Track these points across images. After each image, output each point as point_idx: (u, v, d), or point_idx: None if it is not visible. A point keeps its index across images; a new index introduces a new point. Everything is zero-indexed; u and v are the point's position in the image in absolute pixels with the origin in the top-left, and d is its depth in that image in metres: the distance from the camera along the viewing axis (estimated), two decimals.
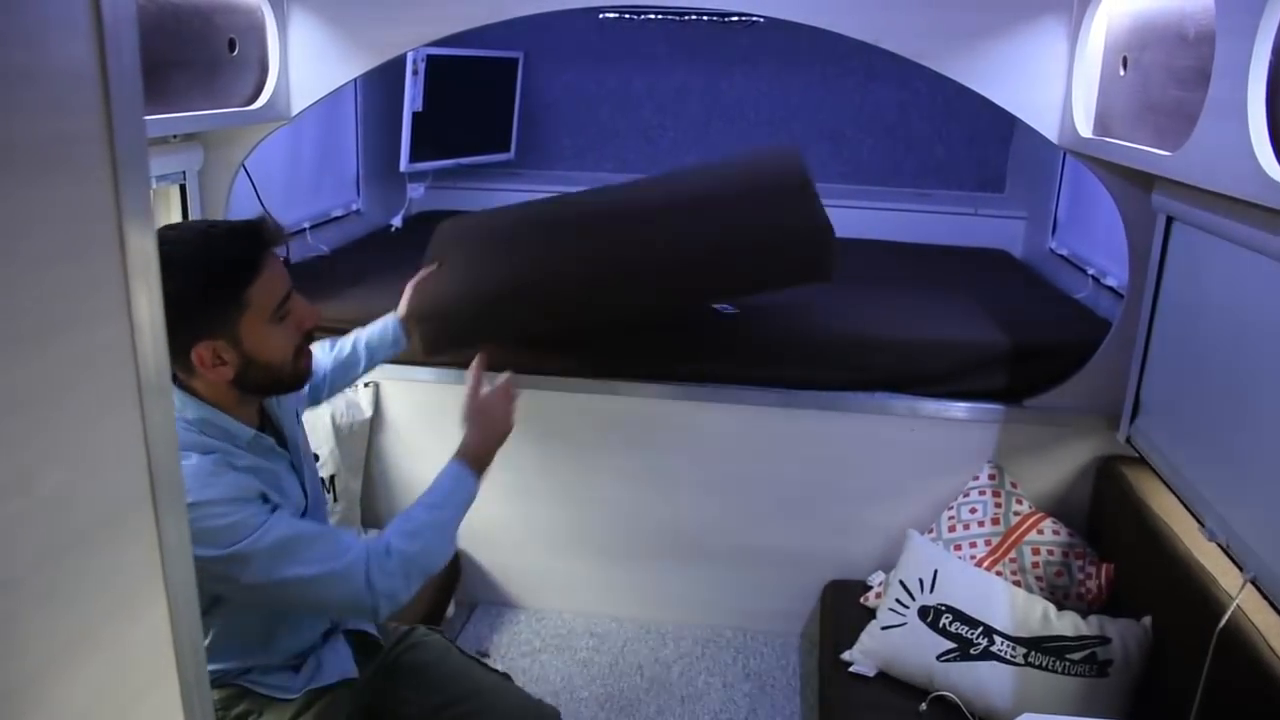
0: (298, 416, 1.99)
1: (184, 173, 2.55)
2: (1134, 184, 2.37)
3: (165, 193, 2.56)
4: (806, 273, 2.41)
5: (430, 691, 2.01)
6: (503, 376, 2.05)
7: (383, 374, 2.79)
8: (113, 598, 0.88)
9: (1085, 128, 2.39)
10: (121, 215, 0.82)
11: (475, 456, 1.93)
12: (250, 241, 1.65)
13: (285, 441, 1.88)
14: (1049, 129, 2.49)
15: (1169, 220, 2.23)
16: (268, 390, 1.77)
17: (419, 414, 2.80)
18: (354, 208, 3.94)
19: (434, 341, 2.44)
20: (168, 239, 1.58)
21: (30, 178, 0.75)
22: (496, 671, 2.12)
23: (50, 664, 0.81)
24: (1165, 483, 2.20)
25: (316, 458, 2.63)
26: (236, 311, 1.62)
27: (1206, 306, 2.08)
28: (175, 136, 2.44)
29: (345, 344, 2.32)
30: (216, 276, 1.61)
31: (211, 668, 1.81)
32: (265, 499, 1.70)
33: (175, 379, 1.68)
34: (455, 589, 2.84)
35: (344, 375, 2.31)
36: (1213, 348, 2.02)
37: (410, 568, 1.71)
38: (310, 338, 1.77)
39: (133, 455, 0.87)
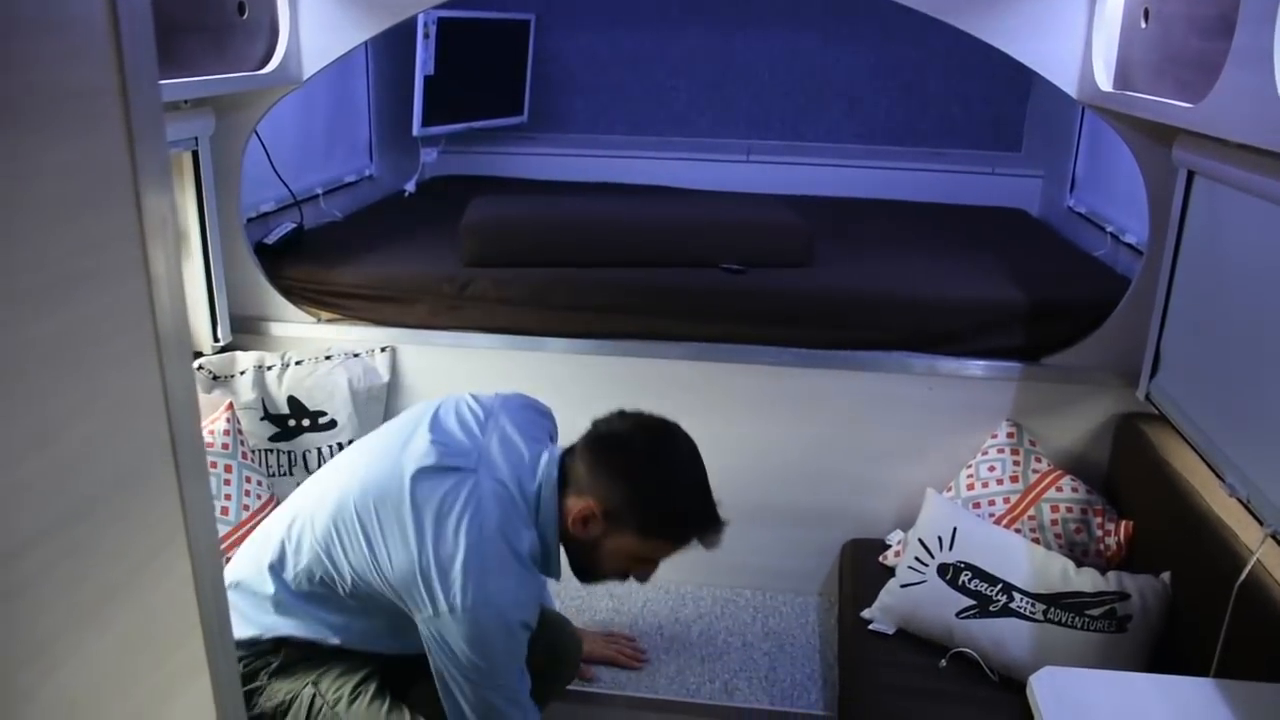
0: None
1: (196, 139, 2.54)
2: (1154, 139, 2.34)
3: (178, 159, 2.55)
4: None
5: None
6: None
7: (400, 338, 2.80)
8: (136, 555, 0.88)
9: (1105, 82, 2.36)
10: (137, 170, 0.82)
11: None
12: (704, 529, 1.82)
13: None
14: (1068, 84, 2.46)
15: (1190, 175, 2.21)
16: (571, 556, 1.86)
17: (436, 378, 2.80)
18: (367, 173, 3.93)
19: (478, 253, 2.78)
20: (678, 438, 1.91)
21: (46, 130, 0.75)
22: None
23: (77, 620, 0.82)
24: (1185, 439, 2.20)
25: (334, 423, 2.65)
26: (636, 530, 1.77)
27: (1228, 262, 2.06)
28: (186, 102, 2.44)
29: None
30: (666, 512, 1.79)
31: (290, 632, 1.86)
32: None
33: (560, 483, 1.80)
34: None
35: None
36: (1234, 303, 2.01)
37: None
38: (618, 578, 1.91)
39: (153, 413, 0.88)
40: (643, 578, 1.87)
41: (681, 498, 1.81)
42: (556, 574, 1.86)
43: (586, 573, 1.87)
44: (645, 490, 1.77)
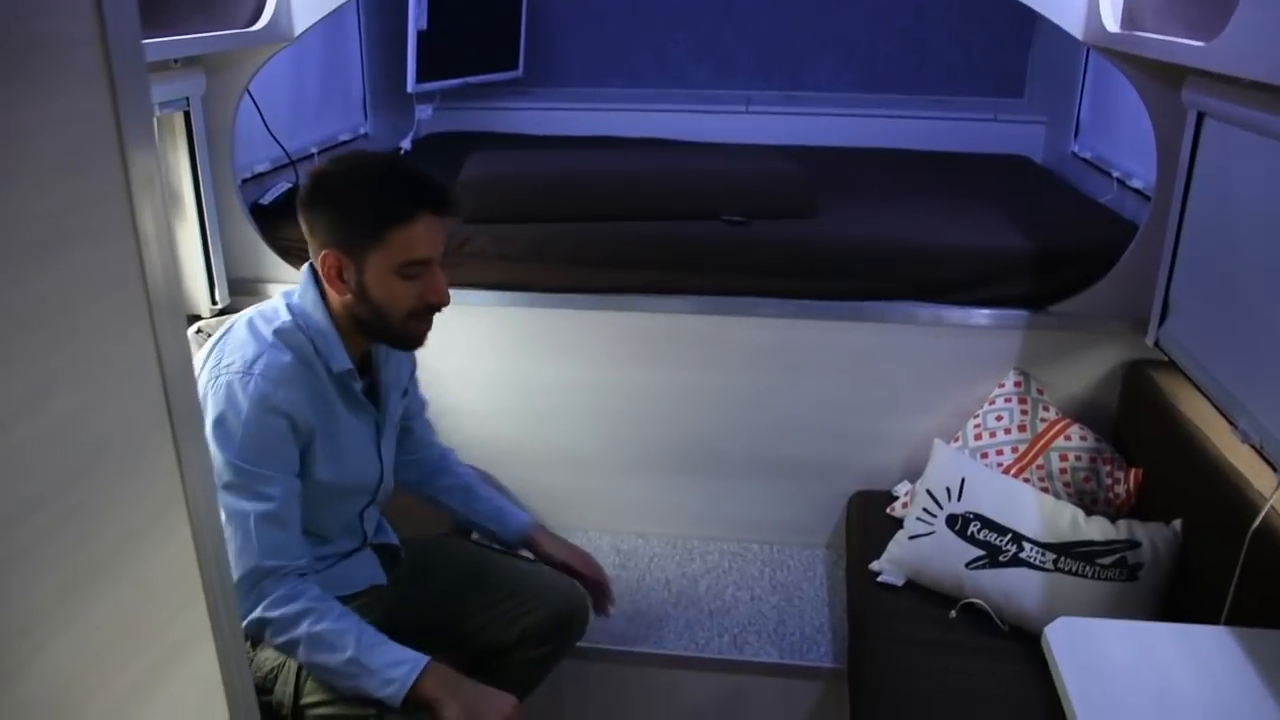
0: (404, 394, 2.07)
1: (187, 100, 2.50)
2: (1163, 80, 2.29)
3: (170, 121, 2.51)
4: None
5: (465, 583, 2.08)
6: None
7: None
8: (134, 521, 0.86)
9: (1112, 22, 2.31)
10: (121, 124, 0.79)
11: (438, 685, 1.71)
12: (422, 195, 1.72)
13: (379, 403, 1.94)
14: (1074, 26, 2.41)
15: (1200, 117, 2.17)
16: (373, 333, 1.83)
17: (435, 336, 2.75)
18: (362, 131, 3.88)
19: (476, 209, 2.71)
20: (368, 153, 1.83)
21: (23, 83, 0.71)
22: (527, 559, 2.21)
23: (74, 589, 0.80)
24: (1195, 385, 2.17)
25: None
26: (371, 242, 1.70)
27: (1239, 204, 2.03)
28: (175, 62, 2.39)
29: (461, 472, 2.27)
30: (372, 199, 1.71)
31: None
32: (310, 437, 1.77)
33: (315, 278, 1.80)
34: None
35: (418, 473, 2.23)
36: (1246, 246, 1.98)
37: (295, 642, 1.70)
38: (432, 311, 1.81)
39: (147, 376, 0.85)
40: (434, 291, 1.77)
41: (377, 177, 1.74)
42: (348, 360, 1.80)
43: (390, 327, 1.79)
44: (345, 196, 1.72)
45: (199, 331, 2.58)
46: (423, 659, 1.73)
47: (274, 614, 1.70)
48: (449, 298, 1.81)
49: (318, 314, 1.80)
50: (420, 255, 1.73)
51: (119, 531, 0.84)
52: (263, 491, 1.70)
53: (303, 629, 1.69)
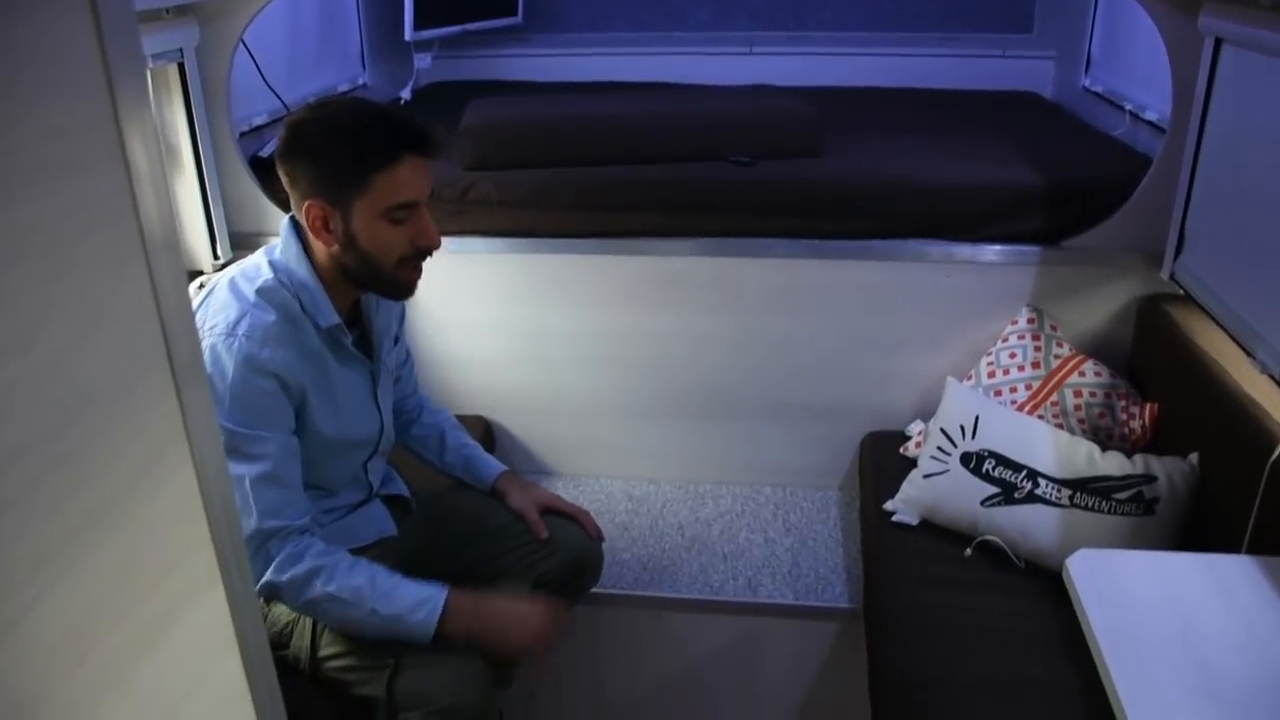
0: (395, 341, 2.03)
1: (180, 51, 2.45)
2: (1178, 6, 2.24)
3: (164, 73, 2.47)
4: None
5: (478, 532, 2.07)
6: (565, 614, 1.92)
7: None
8: (134, 465, 0.84)
9: None
10: (106, 47, 0.76)
11: (460, 616, 1.75)
12: (403, 136, 1.68)
13: (372, 354, 1.91)
14: None
15: (1217, 43, 2.12)
16: (362, 283, 1.79)
17: (440, 285, 2.73)
18: (360, 81, 3.83)
19: (479, 156, 2.70)
20: (344, 98, 1.65)
21: (4, 6, 0.68)
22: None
23: (74, 534, 0.78)
24: (1212, 317, 2.15)
25: None
26: (355, 188, 1.66)
27: (1258, 131, 1.99)
28: (168, 11, 2.35)
29: (433, 422, 2.21)
30: (353, 145, 1.66)
31: None
32: (303, 395, 1.75)
33: (297, 231, 1.77)
34: None
35: (396, 424, 2.17)
36: (1264, 174, 1.94)
37: (313, 604, 1.72)
38: (422, 256, 1.77)
39: (143, 314, 0.83)
40: (424, 234, 1.73)
41: (356, 122, 1.69)
42: (335, 315, 1.77)
43: (381, 276, 1.76)
44: (325, 144, 1.67)
45: (201, 287, 2.56)
46: (440, 595, 1.74)
47: (284, 578, 1.69)
48: (439, 240, 1.77)
49: (301, 269, 1.75)
50: (407, 198, 1.69)
51: (119, 475, 0.82)
52: (256, 453, 1.68)
53: (316, 590, 1.70)
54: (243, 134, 2.84)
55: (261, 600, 1.87)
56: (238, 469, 1.67)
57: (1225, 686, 1.26)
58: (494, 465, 2.17)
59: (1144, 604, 1.40)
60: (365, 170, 1.66)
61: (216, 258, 2.69)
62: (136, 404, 0.83)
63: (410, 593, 1.74)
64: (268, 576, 1.69)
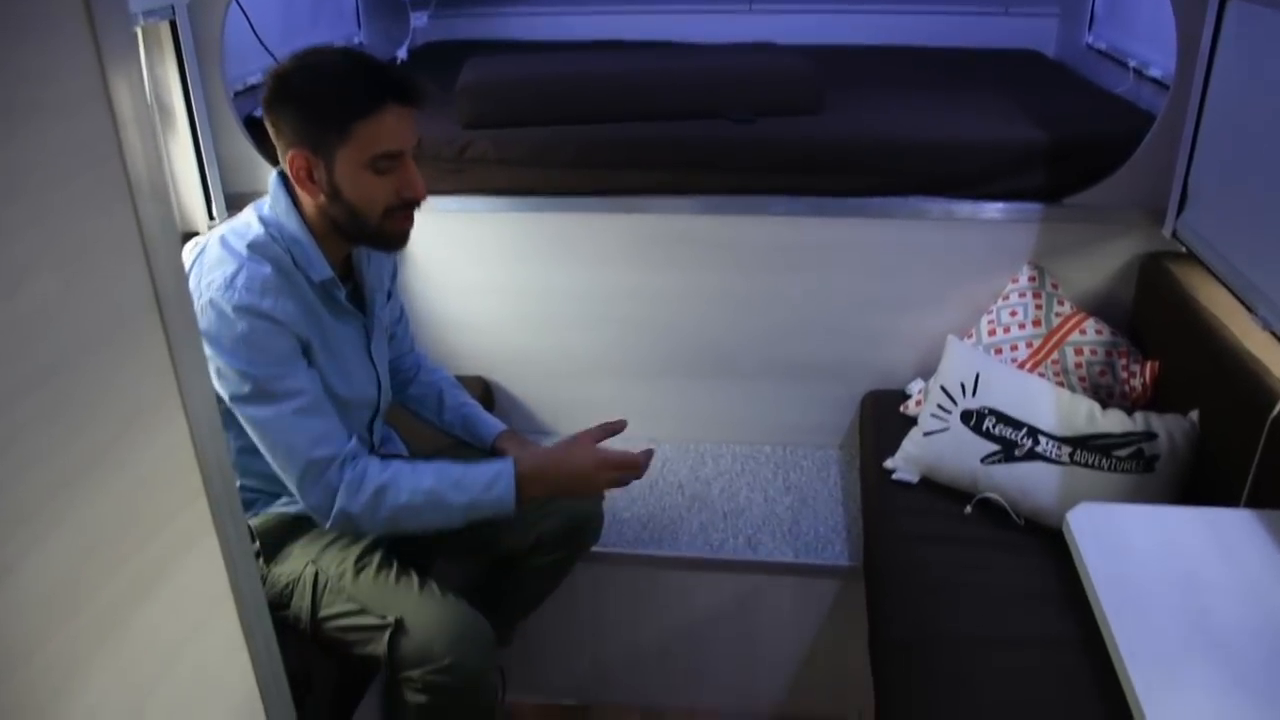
0: (388, 297, 2.01)
1: (172, 7, 2.42)
2: None
3: (156, 31, 2.44)
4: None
5: None
6: (639, 452, 1.92)
7: None
8: (124, 414, 0.83)
9: None
10: None
11: (534, 483, 1.81)
12: (386, 84, 1.66)
13: (365, 308, 1.89)
14: None
15: None
16: (350, 235, 1.77)
17: (438, 244, 2.72)
18: (355, 40, 3.78)
19: (476, 114, 2.66)
20: (329, 48, 1.73)
21: None
22: None
23: (66, 483, 0.77)
24: (1214, 274, 2.14)
25: None
26: (337, 138, 1.64)
27: (1263, 87, 1.97)
28: None
29: (430, 380, 2.19)
30: (335, 93, 1.64)
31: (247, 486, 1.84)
32: (308, 348, 1.74)
33: (286, 185, 1.75)
34: None
35: (403, 385, 2.19)
36: (1269, 129, 1.93)
37: (393, 519, 1.73)
38: (408, 207, 1.75)
39: (130, 259, 0.81)
40: (409, 185, 1.72)
41: (338, 70, 1.68)
42: (328, 268, 1.76)
43: (368, 227, 1.74)
44: (306, 92, 1.66)
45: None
46: (508, 470, 1.77)
47: (356, 508, 1.70)
48: (425, 192, 1.75)
49: (291, 222, 1.73)
50: (390, 148, 1.67)
51: (111, 423, 0.81)
52: (286, 389, 1.67)
53: (388, 507, 1.71)
54: (237, 93, 2.80)
55: (260, 560, 1.88)
56: (270, 410, 1.66)
57: (1224, 636, 1.26)
58: (493, 424, 2.15)
59: (1144, 556, 1.39)
60: (347, 118, 1.63)
61: (212, 218, 2.67)
62: (126, 352, 0.82)
63: (480, 475, 1.76)
64: (339, 506, 1.69)
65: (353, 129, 1.64)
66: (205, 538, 0.94)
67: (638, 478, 1.91)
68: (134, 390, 0.83)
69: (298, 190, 1.73)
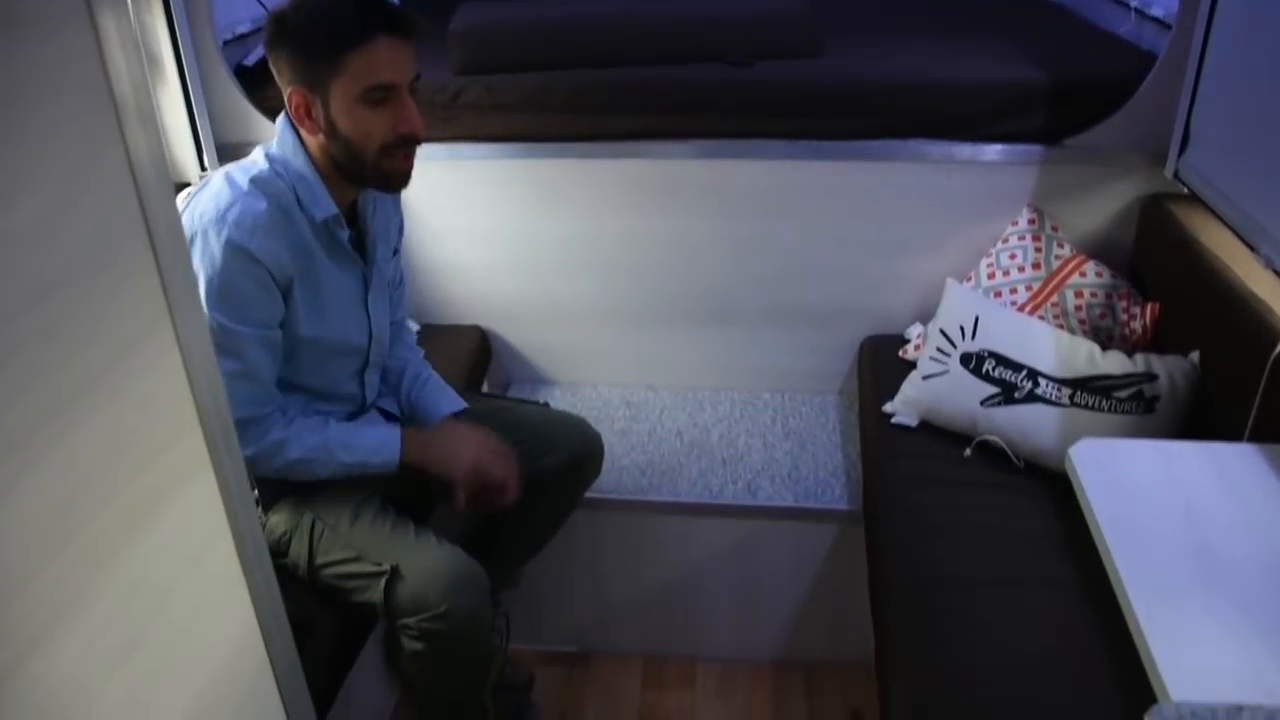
0: (394, 253, 2.02)
1: None
2: None
3: None
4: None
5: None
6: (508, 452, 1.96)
7: None
8: (115, 343, 0.81)
9: None
10: None
11: (419, 452, 1.87)
12: (375, 14, 1.65)
13: (366, 255, 1.89)
14: None
15: None
16: (350, 174, 1.76)
17: (432, 191, 2.69)
18: None
19: (469, 59, 2.64)
20: None
21: None
22: (536, 403, 2.24)
23: (57, 410, 0.75)
24: (1216, 214, 2.12)
25: None
26: (330, 71, 1.65)
27: (1267, 23, 1.95)
28: None
29: (401, 357, 2.15)
30: (326, 26, 1.64)
31: None
32: (289, 289, 1.73)
33: (293, 125, 1.74)
34: (486, 372, 2.82)
35: None
36: (1273, 66, 1.90)
37: (286, 469, 1.79)
38: (406, 144, 1.73)
39: (117, 185, 0.79)
40: (405, 120, 1.71)
41: (330, 2, 1.68)
42: (332, 205, 1.76)
43: (366, 165, 1.73)
44: (301, 27, 1.67)
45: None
46: (394, 437, 1.85)
47: (249, 452, 1.72)
48: (423, 128, 1.74)
49: (297, 159, 1.74)
50: (383, 80, 1.66)
51: (102, 351, 0.79)
52: (234, 349, 1.69)
53: (282, 459, 1.77)
54: (226, 42, 2.77)
55: (259, 510, 1.87)
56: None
57: (1227, 569, 1.26)
58: (436, 412, 2.07)
59: (1146, 489, 1.39)
60: (338, 50, 1.63)
61: (203, 169, 2.65)
62: (115, 278, 0.80)
63: (369, 438, 1.84)
64: (255, 457, 1.74)
65: (344, 60, 1.63)
66: (201, 471, 0.93)
67: (504, 503, 1.95)
68: (125, 318, 0.82)
69: (300, 130, 1.74)
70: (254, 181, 1.70)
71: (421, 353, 2.18)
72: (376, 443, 1.84)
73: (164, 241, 0.83)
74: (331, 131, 1.70)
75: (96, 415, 0.79)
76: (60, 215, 0.74)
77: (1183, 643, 1.16)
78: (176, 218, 0.85)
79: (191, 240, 1.65)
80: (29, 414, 0.73)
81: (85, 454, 0.79)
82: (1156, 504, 1.36)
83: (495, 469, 1.90)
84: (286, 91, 1.69)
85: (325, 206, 1.75)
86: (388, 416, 2.04)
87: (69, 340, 0.76)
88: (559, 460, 2.08)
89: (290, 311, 1.76)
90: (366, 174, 1.75)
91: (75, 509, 0.78)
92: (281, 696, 1.09)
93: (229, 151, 2.67)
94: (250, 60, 2.84)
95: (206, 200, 1.69)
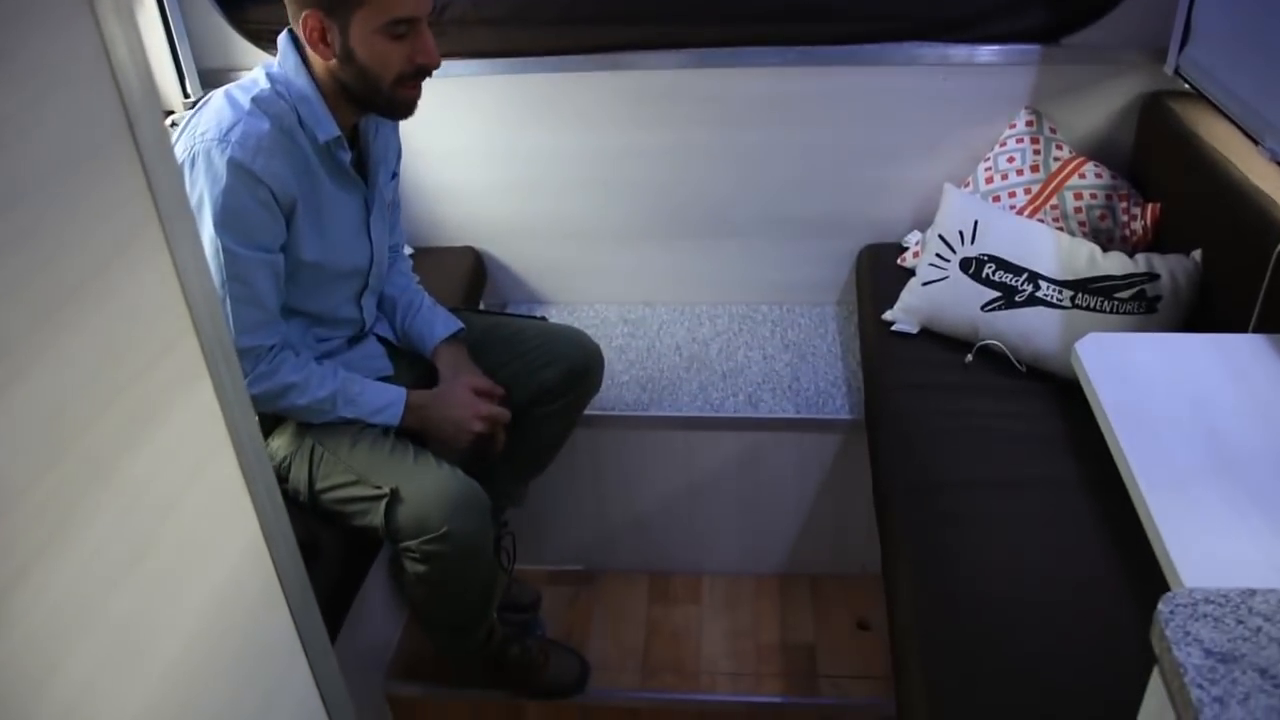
0: (393, 176, 2.00)
1: None
2: None
3: None
4: None
5: (476, 350, 2.07)
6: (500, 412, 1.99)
7: None
8: (104, 244, 0.79)
9: None
10: None
11: (414, 415, 1.90)
12: None
13: (367, 178, 1.87)
14: None
15: None
16: (360, 100, 1.75)
17: (420, 112, 2.64)
18: None
19: None
20: None
21: None
22: (534, 318, 2.24)
23: (44, 316, 0.73)
24: (1218, 109, 2.09)
25: None
26: (355, 1, 1.62)
27: None
28: None
29: (398, 284, 2.13)
30: None
31: None
32: (292, 211, 1.71)
33: (295, 44, 1.72)
34: (481, 294, 2.79)
35: None
36: None
37: (287, 411, 1.81)
38: (421, 75, 1.73)
39: (95, 79, 0.76)
40: (423, 51, 1.70)
41: None
42: (335, 127, 1.74)
43: (380, 93, 1.72)
44: None
45: (174, 125, 2.47)
46: (398, 403, 1.87)
47: (255, 391, 1.71)
48: (439, 59, 1.73)
49: (300, 80, 1.71)
50: (407, 13, 1.65)
51: (88, 255, 0.77)
52: (240, 273, 1.67)
53: (287, 402, 1.77)
54: None
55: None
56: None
57: (1235, 455, 1.26)
58: (431, 336, 2.07)
59: (1153, 380, 1.38)
60: None
61: (187, 96, 2.60)
62: (98, 179, 0.78)
63: (374, 399, 1.86)
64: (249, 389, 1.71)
65: None
66: (198, 380, 0.91)
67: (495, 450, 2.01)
68: (112, 221, 0.79)
69: (308, 51, 1.70)
70: (256, 101, 1.67)
71: (416, 279, 2.16)
72: (380, 405, 1.85)
73: (150, 145, 0.80)
74: (347, 58, 1.67)
75: (85, 321, 0.77)
76: (36, 111, 0.71)
77: (1194, 529, 1.16)
78: (161, 121, 0.82)
79: (193, 159, 1.63)
80: (15, 319, 0.71)
81: (77, 361, 0.77)
82: (1164, 394, 1.35)
83: (487, 429, 1.95)
84: (300, 15, 1.65)
85: (328, 128, 1.73)
86: (384, 345, 2.03)
87: (52, 243, 0.74)
88: (559, 372, 2.08)
89: (292, 235, 1.74)
90: (378, 101, 1.75)
91: (70, 418, 0.77)
92: (290, 608, 1.08)
93: (211, 78, 2.62)
94: None
95: (208, 119, 1.65)
